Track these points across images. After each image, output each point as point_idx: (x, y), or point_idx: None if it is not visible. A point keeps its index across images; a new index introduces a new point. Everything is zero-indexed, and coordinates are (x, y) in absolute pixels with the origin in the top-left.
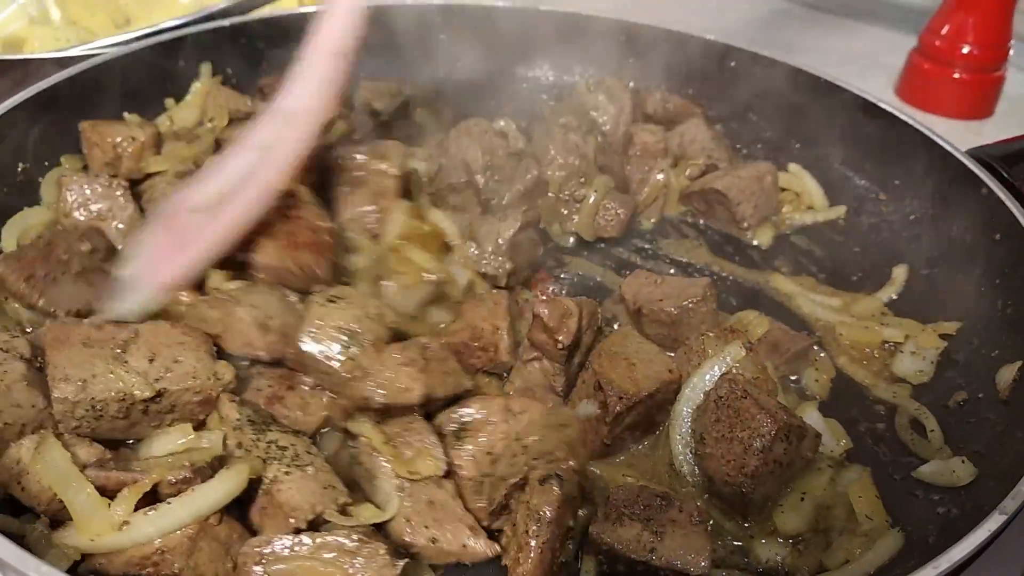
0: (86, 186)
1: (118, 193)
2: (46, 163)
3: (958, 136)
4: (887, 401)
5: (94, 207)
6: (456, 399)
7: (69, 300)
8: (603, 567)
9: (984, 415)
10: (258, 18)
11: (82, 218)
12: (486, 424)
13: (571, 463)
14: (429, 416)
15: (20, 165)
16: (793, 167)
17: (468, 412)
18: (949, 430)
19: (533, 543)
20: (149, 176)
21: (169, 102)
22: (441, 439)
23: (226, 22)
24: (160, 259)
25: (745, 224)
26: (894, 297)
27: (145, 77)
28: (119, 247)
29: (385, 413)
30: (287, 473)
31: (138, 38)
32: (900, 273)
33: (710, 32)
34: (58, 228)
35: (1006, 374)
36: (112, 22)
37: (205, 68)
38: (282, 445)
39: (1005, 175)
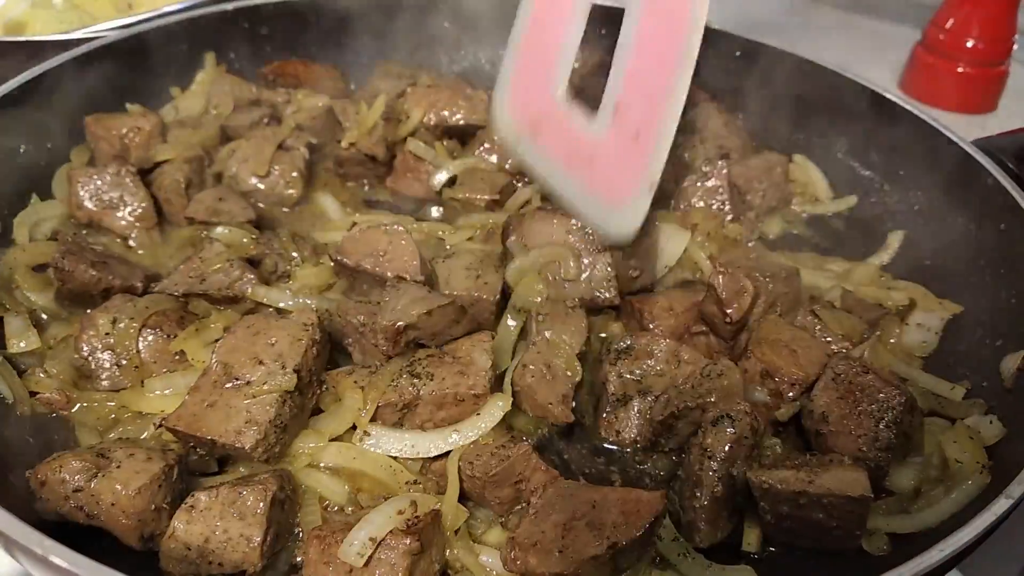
0: (96, 177)
1: (127, 180)
2: (48, 145)
3: (962, 130)
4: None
5: (105, 197)
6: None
7: (131, 274)
8: (767, 523)
9: (988, 404)
10: (261, 2)
11: (95, 208)
12: (649, 356)
13: (742, 406)
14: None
15: (22, 147)
16: (798, 158)
17: (637, 341)
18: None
19: (709, 476)
20: (158, 165)
21: (174, 91)
22: (606, 353)
23: (229, 6)
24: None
25: (753, 214)
26: (886, 261)
27: (148, 60)
28: (131, 234)
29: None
30: None
31: (140, 21)
32: (895, 239)
33: (712, 23)
34: (71, 221)
35: (1010, 363)
36: (114, 7)
37: (209, 57)
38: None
39: (1010, 166)
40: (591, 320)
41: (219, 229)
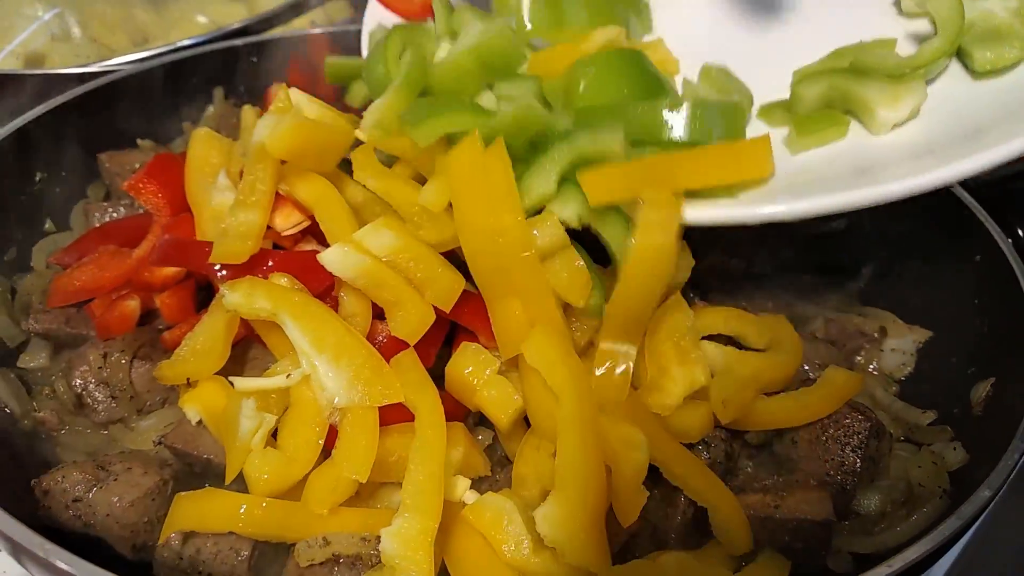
0: (111, 209)
1: (141, 211)
2: (63, 173)
3: None
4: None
5: None
6: None
7: None
8: None
9: (957, 430)
10: (269, 38)
11: None
12: None
13: (718, 432)
14: None
15: (38, 175)
16: None
17: None
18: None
19: (681, 498)
20: None
21: (186, 126)
22: None
23: (239, 41)
24: None
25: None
26: (859, 289)
27: (161, 93)
28: None
29: None
30: None
31: (155, 56)
32: (868, 268)
33: None
34: None
35: (980, 390)
36: (131, 41)
37: (218, 92)
38: None
39: (986, 197)
40: None
41: None
